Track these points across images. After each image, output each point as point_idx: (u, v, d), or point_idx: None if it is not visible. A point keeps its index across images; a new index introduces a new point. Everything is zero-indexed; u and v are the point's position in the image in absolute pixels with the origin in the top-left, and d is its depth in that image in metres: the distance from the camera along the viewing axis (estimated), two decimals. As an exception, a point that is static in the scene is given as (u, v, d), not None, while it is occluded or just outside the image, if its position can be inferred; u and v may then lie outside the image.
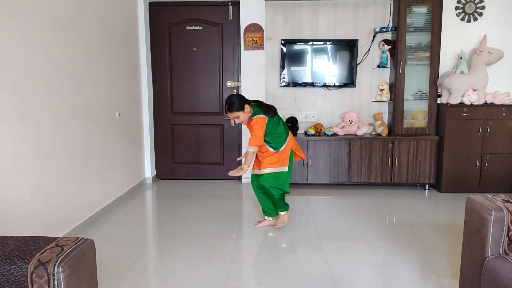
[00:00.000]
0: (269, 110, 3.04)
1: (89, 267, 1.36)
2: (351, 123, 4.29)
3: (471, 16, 4.28)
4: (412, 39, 4.14)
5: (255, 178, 3.19)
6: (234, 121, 4.60)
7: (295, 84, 4.42)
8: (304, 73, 4.42)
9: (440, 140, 4.15)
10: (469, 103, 4.01)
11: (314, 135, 4.25)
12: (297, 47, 4.37)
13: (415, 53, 4.16)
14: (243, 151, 4.55)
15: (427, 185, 4.30)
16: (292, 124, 4.33)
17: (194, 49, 4.54)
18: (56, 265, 1.20)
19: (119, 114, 3.78)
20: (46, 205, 2.64)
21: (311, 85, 4.40)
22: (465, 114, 4.03)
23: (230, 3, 4.46)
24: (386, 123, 4.42)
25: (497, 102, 4.05)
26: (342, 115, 4.40)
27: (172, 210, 3.67)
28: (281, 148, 3.07)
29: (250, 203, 3.94)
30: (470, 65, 4.13)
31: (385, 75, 4.44)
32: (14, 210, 2.33)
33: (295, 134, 4.31)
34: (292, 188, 4.32)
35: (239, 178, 4.70)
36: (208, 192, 4.23)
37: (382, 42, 4.26)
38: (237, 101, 2.94)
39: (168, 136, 4.71)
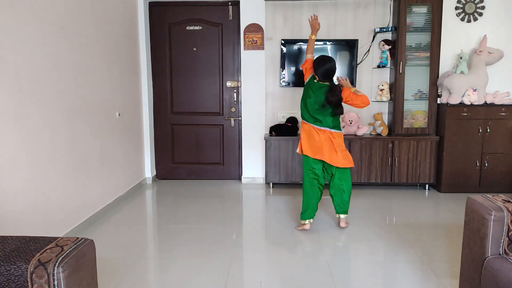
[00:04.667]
0: (319, 72, 2.99)
1: (89, 267, 1.36)
2: (351, 123, 4.29)
3: (471, 16, 4.28)
4: (412, 39, 4.14)
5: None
6: (233, 122, 4.61)
7: (295, 84, 4.42)
8: (304, 73, 4.42)
9: (440, 140, 4.15)
10: (469, 103, 4.01)
11: (314, 135, 4.24)
12: (297, 47, 4.37)
13: (415, 53, 4.16)
14: (243, 151, 4.56)
15: (427, 185, 4.30)
16: (292, 124, 4.33)
17: (194, 49, 4.55)
18: (56, 265, 1.20)
19: (119, 114, 3.78)
20: (46, 205, 2.64)
21: (311, 85, 4.40)
22: (465, 114, 4.03)
23: (230, 3, 4.46)
24: (386, 123, 4.42)
25: (497, 102, 4.05)
26: (342, 115, 4.40)
27: (172, 210, 3.67)
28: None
29: (250, 203, 3.95)
30: (470, 65, 4.13)
31: (385, 75, 4.44)
32: (14, 210, 2.33)
33: (295, 134, 4.31)
34: (292, 188, 4.33)
35: (239, 178, 4.70)
36: (208, 192, 4.23)
37: (382, 42, 4.26)
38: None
39: (168, 136, 4.71)
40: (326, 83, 2.98)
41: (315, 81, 3.02)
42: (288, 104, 4.55)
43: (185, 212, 3.58)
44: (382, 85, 4.32)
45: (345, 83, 3.04)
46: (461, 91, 4.00)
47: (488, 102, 4.06)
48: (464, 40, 4.29)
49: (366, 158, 4.20)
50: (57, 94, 2.75)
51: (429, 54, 4.11)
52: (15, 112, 2.33)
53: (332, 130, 2.99)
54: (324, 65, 2.95)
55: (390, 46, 4.23)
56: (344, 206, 3.11)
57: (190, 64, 4.57)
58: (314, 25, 3.17)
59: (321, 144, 2.99)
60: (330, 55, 4.36)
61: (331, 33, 4.41)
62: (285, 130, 4.28)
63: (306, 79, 3.12)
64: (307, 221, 3.10)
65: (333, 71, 2.98)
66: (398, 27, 4.08)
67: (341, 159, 3.01)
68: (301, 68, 3.27)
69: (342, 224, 3.13)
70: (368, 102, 2.95)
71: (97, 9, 3.34)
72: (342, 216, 3.12)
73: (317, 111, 2.97)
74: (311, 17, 3.21)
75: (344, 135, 4.27)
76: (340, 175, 3.06)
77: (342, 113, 2.98)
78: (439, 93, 4.23)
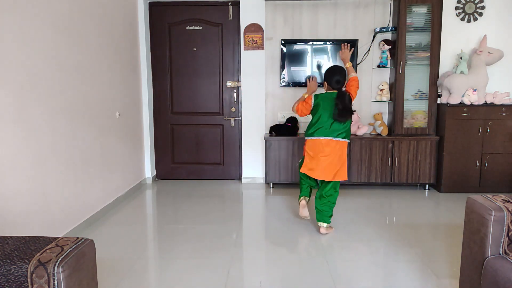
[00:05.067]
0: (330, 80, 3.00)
1: (89, 267, 1.36)
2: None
3: (471, 16, 4.28)
4: (412, 39, 4.14)
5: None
6: (233, 122, 4.61)
7: (295, 84, 4.42)
8: (304, 73, 4.42)
9: (440, 140, 4.15)
10: (469, 103, 4.01)
11: (314, 135, 4.25)
12: (297, 47, 4.37)
13: (415, 53, 4.16)
14: (243, 151, 4.56)
15: (427, 185, 4.30)
16: (292, 124, 4.33)
17: (194, 49, 4.55)
18: (56, 265, 1.20)
19: (119, 114, 3.78)
20: (46, 205, 2.64)
21: (311, 85, 4.40)
22: (465, 114, 4.03)
23: (230, 3, 4.46)
24: (386, 123, 4.42)
25: (497, 102, 4.05)
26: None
27: (172, 210, 3.67)
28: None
29: (250, 203, 3.95)
30: (470, 65, 4.13)
31: (385, 75, 4.44)
32: (14, 210, 2.33)
33: (295, 134, 4.32)
34: (292, 189, 4.32)
35: (239, 178, 4.70)
36: (208, 192, 4.23)
37: (382, 42, 4.26)
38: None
39: (168, 136, 4.71)
40: (335, 91, 2.98)
41: (325, 91, 3.05)
42: (288, 104, 4.55)
43: (185, 212, 3.58)
44: (382, 85, 4.32)
45: (345, 53, 3.06)
46: (461, 91, 4.00)
47: (488, 102, 4.06)
48: (464, 40, 4.29)
49: (366, 158, 4.20)
50: (57, 94, 2.75)
51: (429, 54, 4.11)
52: (15, 112, 2.33)
53: (344, 140, 2.96)
54: (335, 75, 2.97)
55: (390, 46, 4.23)
56: (321, 214, 3.04)
57: (190, 64, 4.57)
58: (312, 87, 3.14)
59: (321, 159, 2.96)
60: (330, 55, 4.37)
61: (331, 33, 4.41)
62: (285, 130, 4.28)
63: (310, 107, 3.06)
64: (301, 198, 3.16)
65: (344, 78, 3.00)
66: (398, 27, 4.08)
67: (333, 173, 2.97)
68: (294, 110, 3.15)
69: (322, 230, 3.03)
70: (357, 81, 3.04)
71: (97, 9, 3.34)
72: (321, 223, 3.05)
73: (334, 122, 2.95)
74: (310, 78, 3.17)
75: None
76: (327, 185, 3.03)
77: (342, 121, 2.92)
78: (439, 93, 4.23)
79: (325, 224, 3.02)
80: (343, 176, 3.00)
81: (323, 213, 3.02)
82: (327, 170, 2.97)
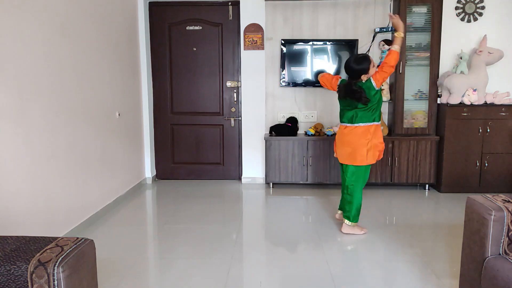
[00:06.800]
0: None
1: (89, 267, 1.36)
2: (351, 123, 4.28)
3: (471, 16, 4.28)
4: (412, 39, 4.14)
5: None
6: (233, 121, 4.61)
7: (295, 84, 4.42)
8: (304, 73, 4.42)
9: (440, 140, 4.15)
10: (469, 103, 4.01)
11: (314, 135, 4.25)
12: (297, 47, 4.37)
13: (415, 53, 4.16)
14: (243, 151, 4.56)
15: (427, 185, 4.29)
16: (292, 124, 4.33)
17: (194, 49, 4.55)
18: (56, 265, 1.20)
19: (119, 114, 3.78)
20: (46, 205, 2.64)
21: (311, 85, 4.40)
22: (465, 114, 4.03)
23: (230, 3, 4.46)
24: (386, 123, 4.42)
25: (497, 102, 4.05)
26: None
27: (172, 210, 3.67)
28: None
29: (250, 203, 3.95)
30: (470, 65, 4.13)
31: (385, 75, 4.43)
32: (14, 210, 2.33)
33: (295, 134, 4.32)
34: (292, 188, 4.33)
35: (239, 178, 4.70)
36: (208, 192, 4.23)
37: (382, 42, 4.26)
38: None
39: (168, 136, 4.71)
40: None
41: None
42: (288, 104, 4.55)
43: (185, 212, 3.58)
44: (382, 85, 4.30)
45: (396, 21, 2.92)
46: (461, 91, 4.00)
47: (488, 102, 4.06)
48: (464, 40, 4.29)
49: (366, 158, 4.19)
50: (57, 94, 2.75)
51: (429, 54, 4.11)
52: (15, 112, 2.33)
53: (359, 124, 2.92)
54: (347, 67, 2.93)
55: (390, 46, 4.22)
56: (344, 206, 3.08)
57: (190, 64, 4.57)
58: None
59: (342, 142, 3.00)
60: (330, 55, 4.37)
61: (331, 33, 4.41)
62: (285, 130, 4.28)
63: (335, 86, 3.10)
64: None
65: (349, 69, 2.92)
66: (398, 27, 4.08)
67: (346, 154, 2.97)
68: (319, 78, 3.25)
69: (342, 229, 3.03)
70: (392, 57, 2.92)
71: (97, 9, 3.34)
72: (345, 220, 3.04)
73: (346, 108, 2.99)
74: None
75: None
76: (346, 172, 3.03)
77: (360, 100, 2.86)
78: (439, 93, 4.23)
79: (346, 221, 3.02)
80: (354, 160, 2.92)
81: (345, 208, 3.06)
82: (343, 151, 3.00)
